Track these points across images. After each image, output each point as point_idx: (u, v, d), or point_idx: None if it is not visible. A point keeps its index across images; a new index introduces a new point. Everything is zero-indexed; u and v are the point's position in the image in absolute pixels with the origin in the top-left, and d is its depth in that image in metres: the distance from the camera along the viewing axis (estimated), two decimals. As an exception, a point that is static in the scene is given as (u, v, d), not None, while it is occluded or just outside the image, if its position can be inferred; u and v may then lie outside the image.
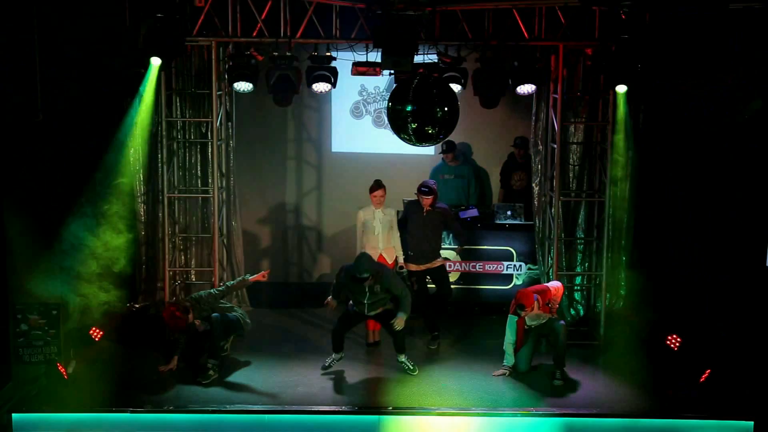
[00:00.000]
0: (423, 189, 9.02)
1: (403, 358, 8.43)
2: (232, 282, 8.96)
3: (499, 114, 11.06)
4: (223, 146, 9.83)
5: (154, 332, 9.30)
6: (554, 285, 8.60)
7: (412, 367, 8.41)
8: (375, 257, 8.70)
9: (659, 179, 9.96)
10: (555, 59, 9.25)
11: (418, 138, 7.70)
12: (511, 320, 8.42)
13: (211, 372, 8.20)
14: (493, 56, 8.96)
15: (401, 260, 9.10)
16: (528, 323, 8.39)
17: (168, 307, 8.40)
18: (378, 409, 7.65)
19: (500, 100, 9.14)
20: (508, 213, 10.35)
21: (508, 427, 7.55)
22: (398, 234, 9.07)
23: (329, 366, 8.41)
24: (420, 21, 7.88)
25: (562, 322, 8.50)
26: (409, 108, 7.51)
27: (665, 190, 9.78)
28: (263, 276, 8.78)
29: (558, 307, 8.64)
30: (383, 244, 8.93)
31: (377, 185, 8.95)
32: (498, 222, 10.34)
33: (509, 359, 8.48)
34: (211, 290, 8.70)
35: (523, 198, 10.61)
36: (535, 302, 8.23)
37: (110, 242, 8.82)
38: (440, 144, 10.68)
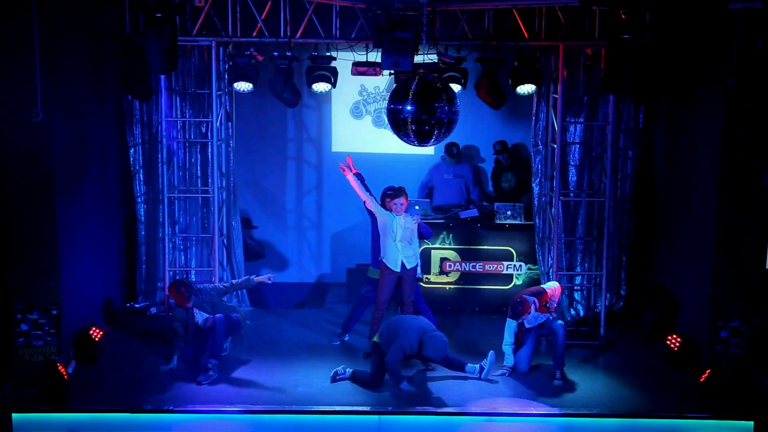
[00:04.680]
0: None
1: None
2: (236, 281, 8.98)
3: (499, 114, 11.08)
4: (223, 146, 9.83)
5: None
6: (551, 286, 8.62)
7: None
8: (396, 263, 8.64)
9: (659, 178, 9.99)
10: (555, 59, 9.25)
11: (418, 138, 7.69)
12: (510, 323, 8.43)
13: (211, 372, 8.20)
14: (492, 56, 8.99)
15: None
16: (526, 325, 8.41)
17: (176, 282, 8.47)
18: (378, 409, 7.65)
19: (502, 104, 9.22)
20: (508, 213, 10.36)
21: (508, 427, 7.55)
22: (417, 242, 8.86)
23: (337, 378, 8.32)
24: (420, 21, 7.88)
25: (562, 322, 8.50)
26: (409, 108, 7.49)
27: (665, 189, 9.80)
28: (268, 279, 8.80)
29: (557, 307, 8.66)
30: (404, 251, 8.65)
31: (399, 192, 8.62)
32: (498, 222, 10.35)
33: (509, 360, 8.48)
34: (216, 285, 8.73)
35: (513, 199, 10.67)
36: (532, 306, 8.25)
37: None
38: (444, 144, 10.75)
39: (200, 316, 8.38)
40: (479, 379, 8.25)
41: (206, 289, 8.50)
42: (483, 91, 9.16)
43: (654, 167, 10.10)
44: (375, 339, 8.25)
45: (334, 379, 8.21)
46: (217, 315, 8.36)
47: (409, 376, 8.24)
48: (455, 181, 10.89)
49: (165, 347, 8.84)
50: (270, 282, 8.86)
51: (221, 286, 8.64)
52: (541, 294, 8.41)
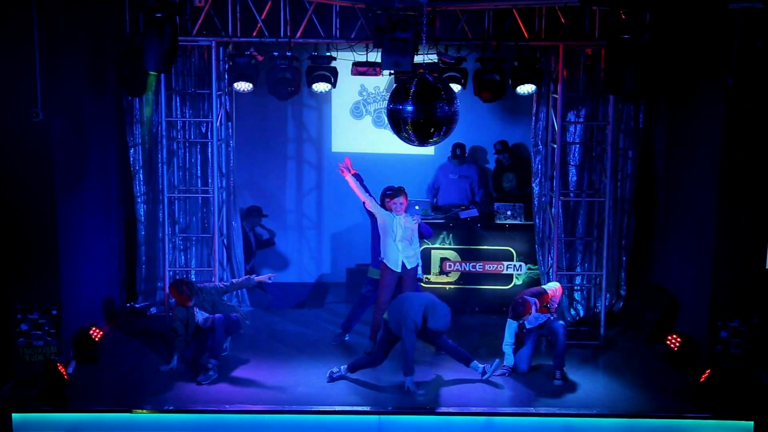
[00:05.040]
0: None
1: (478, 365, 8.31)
2: (236, 280, 9.01)
3: (499, 114, 11.09)
4: (223, 146, 9.83)
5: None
6: (552, 287, 8.61)
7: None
8: (397, 263, 8.60)
9: (659, 178, 9.99)
10: (555, 59, 9.25)
11: (419, 138, 7.68)
12: (510, 323, 8.43)
13: (211, 372, 8.20)
14: (492, 56, 8.98)
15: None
16: (527, 326, 8.41)
17: (177, 281, 8.46)
18: (378, 409, 7.66)
19: (499, 97, 9.16)
20: (508, 213, 10.36)
21: (508, 427, 7.55)
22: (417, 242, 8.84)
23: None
24: (420, 21, 7.88)
25: (562, 322, 8.50)
26: (409, 108, 7.49)
27: (665, 189, 9.80)
28: (269, 278, 8.82)
29: (557, 307, 8.66)
30: (404, 251, 8.61)
31: (399, 192, 8.60)
32: (498, 222, 10.35)
33: (509, 360, 8.49)
34: (216, 283, 8.74)
35: (513, 198, 10.65)
36: (533, 307, 8.25)
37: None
38: (454, 148, 10.76)
39: (200, 315, 8.39)
40: (481, 380, 8.24)
41: (207, 287, 8.51)
42: (479, 84, 9.11)
43: (654, 167, 10.10)
44: (384, 316, 8.18)
45: (331, 378, 8.21)
46: (217, 315, 8.36)
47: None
48: (460, 181, 10.88)
49: (165, 347, 8.83)
50: (270, 281, 8.89)
51: (221, 285, 8.65)
52: (542, 295, 8.41)
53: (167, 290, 8.99)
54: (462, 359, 8.32)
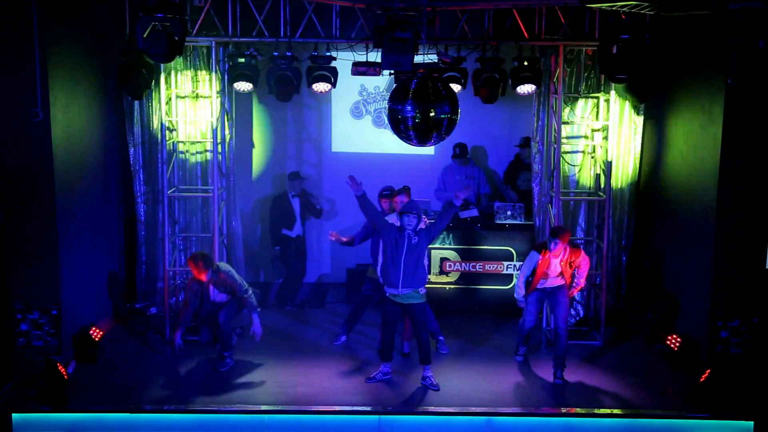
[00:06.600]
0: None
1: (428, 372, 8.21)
2: (248, 297, 8.53)
3: (500, 114, 11.08)
4: (223, 146, 9.82)
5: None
6: (584, 255, 8.57)
7: (435, 384, 8.18)
8: None
9: (659, 178, 9.99)
10: (555, 59, 9.26)
11: (419, 138, 7.67)
12: (533, 256, 8.36)
13: (228, 360, 8.47)
14: (492, 56, 8.98)
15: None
16: (540, 286, 8.36)
17: (196, 254, 8.45)
18: (378, 409, 7.66)
19: (499, 98, 9.16)
20: (508, 213, 10.35)
21: (508, 427, 7.56)
22: None
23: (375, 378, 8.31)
24: (420, 21, 7.88)
25: (564, 325, 8.44)
26: (409, 108, 7.48)
27: (665, 189, 9.81)
28: (253, 334, 8.45)
29: (572, 297, 8.60)
30: None
31: (402, 191, 8.69)
32: (498, 222, 10.34)
33: (520, 291, 8.44)
34: (243, 282, 8.56)
35: (528, 198, 10.59)
36: (566, 247, 8.22)
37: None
38: (454, 147, 10.73)
39: (215, 295, 8.45)
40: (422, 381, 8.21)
41: (235, 278, 8.42)
42: (479, 84, 9.11)
43: (654, 167, 10.10)
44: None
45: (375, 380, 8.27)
46: (219, 316, 8.40)
47: (409, 374, 8.25)
48: (467, 182, 10.85)
49: (165, 347, 8.91)
50: (257, 339, 8.53)
51: (239, 281, 8.46)
52: (576, 248, 8.41)
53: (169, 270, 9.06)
54: (422, 355, 8.17)
